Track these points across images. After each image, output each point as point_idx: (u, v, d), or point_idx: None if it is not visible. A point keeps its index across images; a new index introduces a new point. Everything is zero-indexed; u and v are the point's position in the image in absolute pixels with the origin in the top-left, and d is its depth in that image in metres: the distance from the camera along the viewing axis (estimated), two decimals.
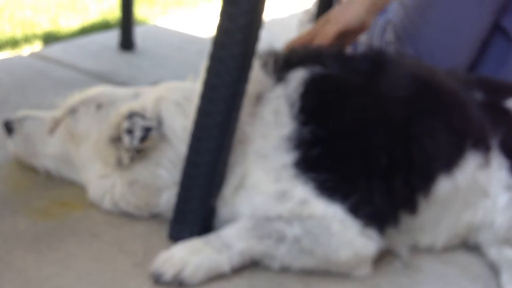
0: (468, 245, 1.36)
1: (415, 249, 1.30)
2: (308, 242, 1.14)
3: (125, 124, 1.21)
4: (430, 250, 1.32)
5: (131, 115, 1.22)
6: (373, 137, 1.20)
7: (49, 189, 1.40)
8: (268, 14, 3.44)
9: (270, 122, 1.23)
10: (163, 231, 1.26)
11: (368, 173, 1.17)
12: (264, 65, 1.28)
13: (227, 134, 1.19)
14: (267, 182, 1.19)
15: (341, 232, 1.14)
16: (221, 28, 1.14)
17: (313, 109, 1.21)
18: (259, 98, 1.26)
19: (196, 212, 1.23)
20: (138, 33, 2.59)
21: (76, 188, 1.39)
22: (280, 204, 1.17)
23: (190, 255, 1.12)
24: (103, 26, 3.00)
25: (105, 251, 1.20)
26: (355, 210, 1.15)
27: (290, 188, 1.17)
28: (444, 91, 1.29)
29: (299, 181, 1.17)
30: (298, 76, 1.25)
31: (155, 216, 1.32)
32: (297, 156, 1.18)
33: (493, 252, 1.30)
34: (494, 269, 1.28)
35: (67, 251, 1.19)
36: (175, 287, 1.10)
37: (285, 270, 1.17)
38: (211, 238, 1.16)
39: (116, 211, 1.31)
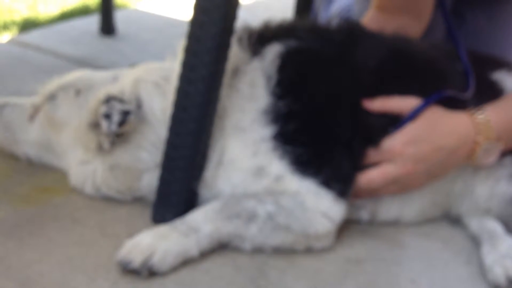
0: (450, 218, 1.38)
1: (397, 221, 1.32)
2: (283, 218, 1.14)
3: (103, 109, 1.19)
4: (412, 224, 1.33)
5: (108, 99, 1.20)
6: (342, 109, 1.20)
7: (30, 175, 1.38)
8: None
9: (246, 94, 1.22)
10: (146, 214, 1.25)
11: (338, 144, 1.18)
12: (239, 40, 1.27)
13: (207, 115, 1.18)
14: (245, 156, 1.18)
15: (315, 206, 1.15)
16: (199, 6, 1.13)
17: (288, 83, 1.21)
18: (235, 72, 1.25)
19: (179, 194, 1.22)
20: (119, 18, 2.55)
21: (57, 174, 1.37)
22: (257, 181, 1.17)
23: (158, 241, 1.08)
24: (83, 11, 2.96)
25: (87, 235, 1.19)
26: (328, 183, 1.16)
27: (267, 164, 1.17)
28: (416, 59, 1.28)
29: (275, 155, 1.17)
30: (273, 50, 1.24)
31: (138, 200, 1.31)
32: (275, 130, 1.17)
33: (474, 224, 1.31)
34: (476, 242, 1.29)
35: (48, 236, 1.17)
36: (145, 275, 1.06)
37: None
38: (177, 223, 1.14)
39: (98, 196, 1.30)
